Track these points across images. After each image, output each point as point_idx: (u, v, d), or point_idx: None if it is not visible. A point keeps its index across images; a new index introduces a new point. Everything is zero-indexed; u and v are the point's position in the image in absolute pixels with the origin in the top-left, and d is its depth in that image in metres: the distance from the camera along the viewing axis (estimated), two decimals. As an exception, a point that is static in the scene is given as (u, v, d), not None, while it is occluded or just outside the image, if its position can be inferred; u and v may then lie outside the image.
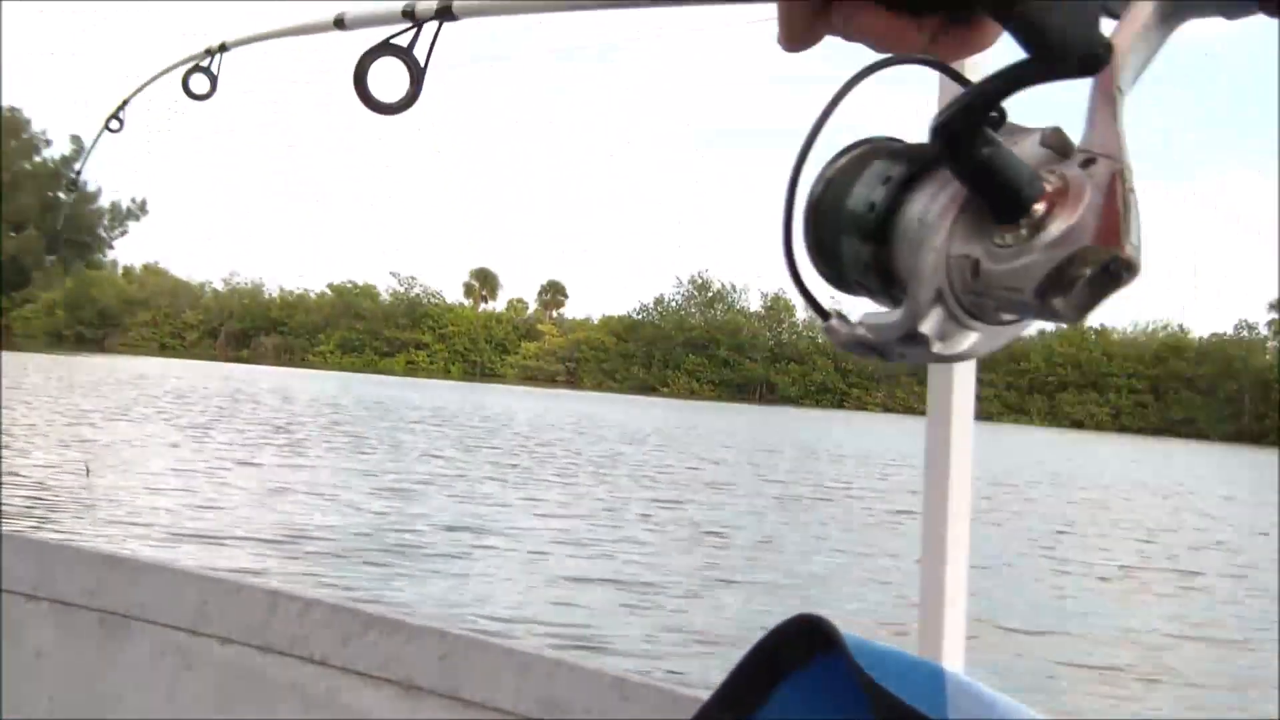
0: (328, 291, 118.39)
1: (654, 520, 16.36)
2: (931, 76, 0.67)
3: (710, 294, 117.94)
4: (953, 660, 1.49)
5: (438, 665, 1.85)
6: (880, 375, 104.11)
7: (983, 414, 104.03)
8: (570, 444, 30.72)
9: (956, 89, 0.60)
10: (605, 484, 20.61)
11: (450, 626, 1.93)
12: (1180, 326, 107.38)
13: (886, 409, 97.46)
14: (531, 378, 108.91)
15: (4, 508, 12.07)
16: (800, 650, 0.78)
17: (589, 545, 13.63)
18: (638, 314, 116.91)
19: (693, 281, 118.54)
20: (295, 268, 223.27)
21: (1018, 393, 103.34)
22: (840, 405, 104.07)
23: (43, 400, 29.24)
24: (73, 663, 2.14)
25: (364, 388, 61.31)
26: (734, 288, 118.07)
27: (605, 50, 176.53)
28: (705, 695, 0.82)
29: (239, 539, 12.08)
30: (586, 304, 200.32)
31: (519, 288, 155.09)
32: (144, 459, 18.58)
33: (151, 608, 2.09)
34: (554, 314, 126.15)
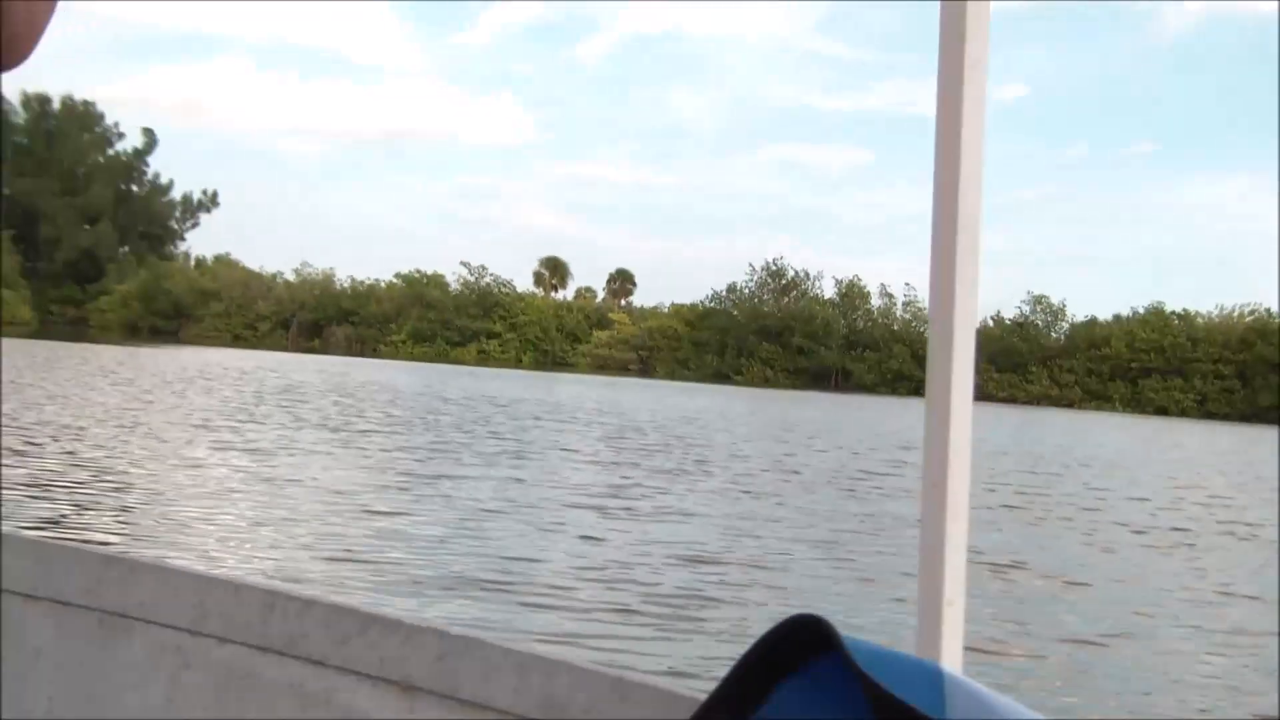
0: (396, 281, 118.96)
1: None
2: None
3: (784, 281, 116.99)
4: (951, 660, 1.46)
5: (436, 665, 1.81)
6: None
7: (1063, 401, 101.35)
8: (715, 440, 28.37)
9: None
10: (810, 493, 17.84)
11: (448, 626, 1.86)
12: (1268, 310, 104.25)
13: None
14: (603, 366, 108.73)
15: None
16: (799, 650, 0.78)
17: (888, 582, 10.65)
18: (710, 301, 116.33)
19: (766, 269, 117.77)
20: (361, 257, 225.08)
21: (1099, 379, 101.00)
22: (917, 393, 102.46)
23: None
24: (72, 662, 2.14)
25: (461, 380, 58.45)
26: (808, 275, 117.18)
27: (661, 38, 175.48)
28: (704, 695, 0.81)
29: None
30: (655, 293, 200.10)
31: (587, 276, 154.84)
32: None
33: (150, 607, 2.07)
34: (623, 302, 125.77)
